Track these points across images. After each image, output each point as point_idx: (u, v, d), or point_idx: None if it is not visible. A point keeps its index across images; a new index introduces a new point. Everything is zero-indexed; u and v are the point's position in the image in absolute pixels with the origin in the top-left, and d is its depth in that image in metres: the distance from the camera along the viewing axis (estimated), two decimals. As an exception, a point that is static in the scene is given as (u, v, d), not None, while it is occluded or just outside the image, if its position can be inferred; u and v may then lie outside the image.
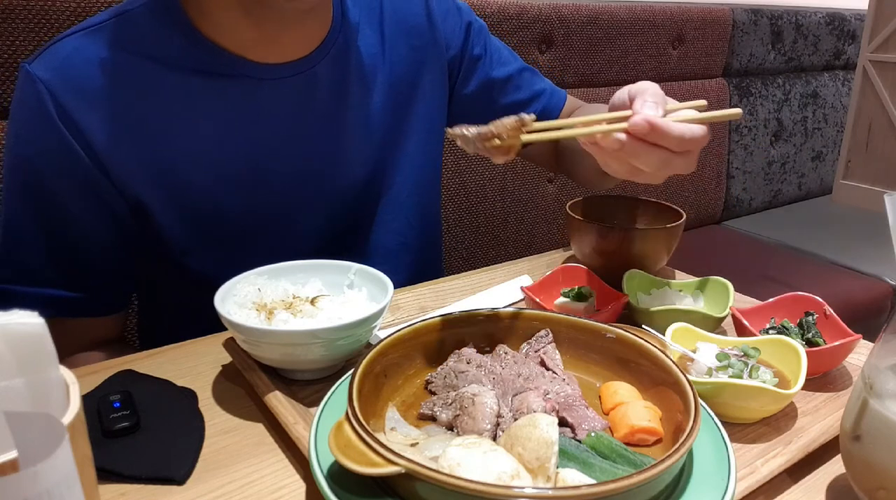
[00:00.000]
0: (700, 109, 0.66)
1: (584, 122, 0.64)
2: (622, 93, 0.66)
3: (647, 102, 0.61)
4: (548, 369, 0.59)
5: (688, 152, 0.63)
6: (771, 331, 0.70)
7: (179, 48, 0.74)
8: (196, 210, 0.78)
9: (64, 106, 0.71)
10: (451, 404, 0.54)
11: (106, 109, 0.72)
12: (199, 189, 0.77)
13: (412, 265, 0.96)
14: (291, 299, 0.66)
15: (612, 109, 0.67)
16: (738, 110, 0.66)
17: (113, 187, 0.75)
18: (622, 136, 0.60)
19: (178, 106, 0.75)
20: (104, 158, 0.73)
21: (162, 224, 0.78)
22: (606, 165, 0.66)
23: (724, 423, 0.51)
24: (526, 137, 0.61)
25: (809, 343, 0.67)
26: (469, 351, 0.60)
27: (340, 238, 0.88)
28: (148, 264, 0.83)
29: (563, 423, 0.53)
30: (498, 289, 0.86)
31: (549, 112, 1.01)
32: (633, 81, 0.68)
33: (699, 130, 0.62)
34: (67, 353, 0.80)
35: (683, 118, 0.62)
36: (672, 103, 0.65)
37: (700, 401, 0.49)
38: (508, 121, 0.61)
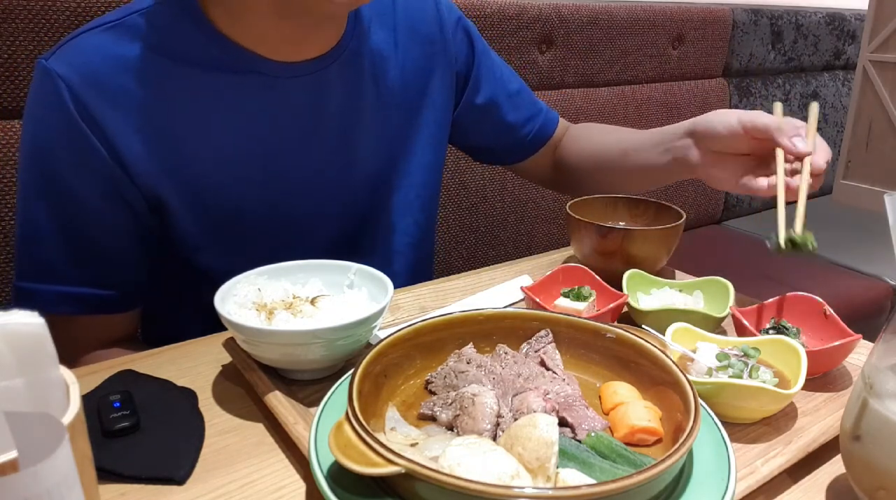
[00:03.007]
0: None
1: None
2: (733, 123, 0.77)
3: (799, 137, 0.74)
4: (548, 369, 0.59)
5: None
6: (771, 331, 0.70)
7: (196, 44, 0.75)
8: (210, 206, 0.79)
9: (82, 101, 0.71)
10: (451, 404, 0.54)
11: (124, 104, 0.72)
12: (213, 185, 0.78)
13: (416, 264, 0.97)
14: (291, 299, 0.66)
15: (712, 132, 0.79)
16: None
17: (131, 182, 0.75)
18: (811, 180, 0.72)
19: (194, 101, 0.75)
20: (122, 152, 0.73)
21: (177, 220, 0.79)
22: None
23: (724, 423, 0.51)
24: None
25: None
26: (469, 351, 0.60)
27: (351, 238, 0.89)
28: (158, 260, 0.84)
29: (563, 423, 0.53)
30: (498, 289, 0.86)
31: (544, 130, 1.06)
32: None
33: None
34: (86, 350, 0.80)
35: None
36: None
37: (700, 401, 0.48)
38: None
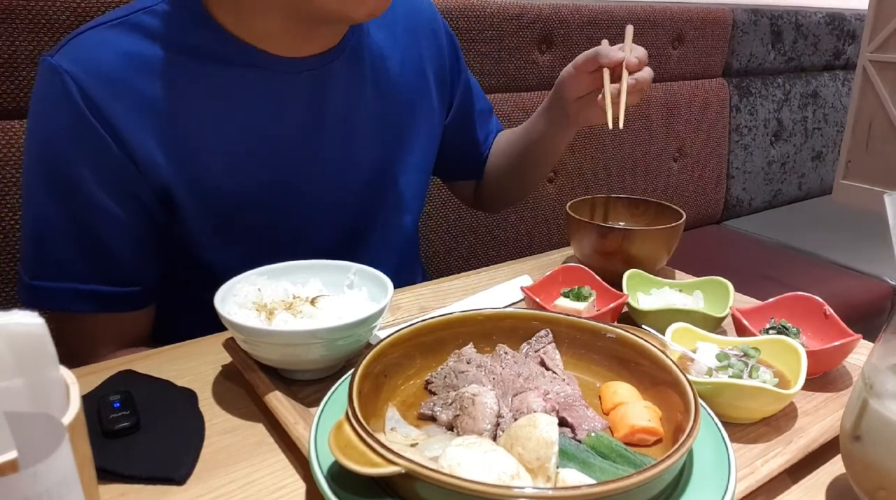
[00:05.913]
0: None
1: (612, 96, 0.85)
2: (570, 69, 0.92)
3: (611, 49, 0.86)
4: (548, 369, 0.59)
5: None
6: (771, 331, 0.70)
7: (199, 39, 0.75)
8: (214, 200, 0.79)
9: (90, 95, 0.71)
10: (451, 405, 0.54)
11: (131, 98, 0.73)
12: (217, 178, 0.78)
13: (406, 262, 0.99)
14: (291, 299, 0.66)
15: (561, 85, 0.94)
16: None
17: (140, 175, 0.75)
18: (632, 81, 0.85)
19: (199, 95, 0.76)
20: (130, 145, 0.73)
21: (183, 215, 0.79)
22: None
23: (724, 423, 0.51)
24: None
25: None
26: (469, 351, 0.60)
27: (352, 236, 0.90)
28: (165, 258, 0.84)
29: (563, 423, 0.53)
30: (498, 289, 0.86)
31: (491, 145, 1.10)
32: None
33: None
34: (102, 347, 0.79)
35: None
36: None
37: (700, 401, 0.49)
38: None
